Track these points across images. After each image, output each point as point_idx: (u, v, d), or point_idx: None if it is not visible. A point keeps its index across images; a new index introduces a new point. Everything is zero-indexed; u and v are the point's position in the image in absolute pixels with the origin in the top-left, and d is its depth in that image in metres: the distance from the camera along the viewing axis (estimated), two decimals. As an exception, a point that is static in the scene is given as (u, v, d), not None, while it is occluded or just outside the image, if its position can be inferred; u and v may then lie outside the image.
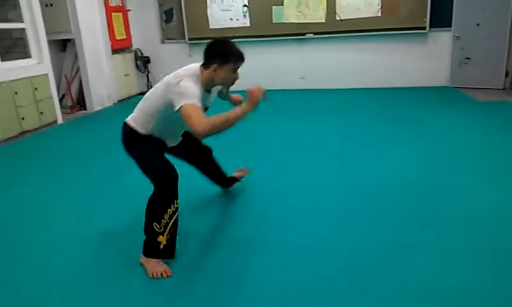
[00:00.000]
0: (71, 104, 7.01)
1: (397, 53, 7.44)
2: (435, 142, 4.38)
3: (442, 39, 7.21)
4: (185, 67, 2.38)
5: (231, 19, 7.73)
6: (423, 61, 7.40)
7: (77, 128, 5.98)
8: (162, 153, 2.48)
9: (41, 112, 5.78)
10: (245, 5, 7.61)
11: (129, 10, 7.94)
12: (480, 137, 4.46)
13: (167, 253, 2.33)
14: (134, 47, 8.16)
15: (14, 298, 2.17)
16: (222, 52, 2.28)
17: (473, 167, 3.60)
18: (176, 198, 2.31)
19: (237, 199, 3.22)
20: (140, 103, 2.47)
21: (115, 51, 7.54)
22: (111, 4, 7.36)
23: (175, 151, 2.71)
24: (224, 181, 3.24)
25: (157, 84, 2.44)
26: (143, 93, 8.14)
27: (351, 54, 7.58)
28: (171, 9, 7.98)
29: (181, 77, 2.24)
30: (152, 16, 8.13)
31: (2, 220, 3.09)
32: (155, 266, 2.28)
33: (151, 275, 2.25)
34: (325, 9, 7.36)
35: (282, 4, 7.47)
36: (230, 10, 7.69)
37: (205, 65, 2.31)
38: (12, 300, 2.15)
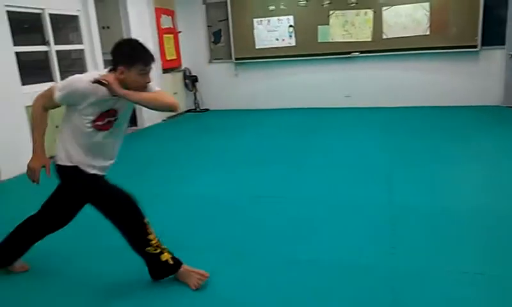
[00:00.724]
0: (122, 121, 7.33)
1: (446, 71, 7.23)
2: (488, 164, 4.19)
3: (495, 57, 6.93)
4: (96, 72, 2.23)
5: (277, 39, 7.85)
6: (474, 80, 7.13)
7: (127, 143, 6.22)
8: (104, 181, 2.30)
9: (95, 128, 6.08)
10: (291, 25, 7.72)
11: (180, 32, 8.27)
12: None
13: (177, 264, 2.28)
14: (183, 66, 8.46)
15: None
16: (128, 54, 2.06)
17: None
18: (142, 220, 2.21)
19: (282, 216, 3.23)
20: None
21: (165, 70, 7.85)
22: (162, 27, 7.70)
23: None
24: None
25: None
26: (190, 111, 8.48)
27: (398, 72, 7.45)
28: (220, 30, 8.23)
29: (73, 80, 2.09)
30: (201, 38, 8.41)
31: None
32: (190, 277, 2.26)
33: (194, 288, 2.25)
34: (371, 28, 7.32)
35: (328, 24, 7.50)
36: (276, 31, 7.82)
37: (112, 69, 2.07)
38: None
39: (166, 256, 2.25)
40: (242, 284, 2.33)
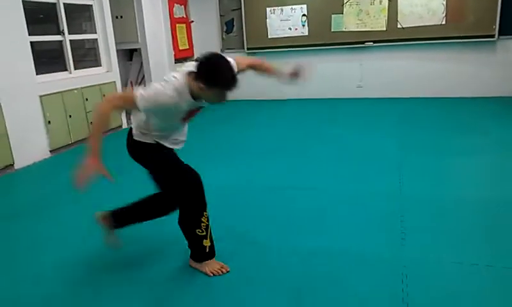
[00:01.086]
0: (135, 110, 7.39)
1: (462, 61, 7.10)
2: (503, 155, 4.12)
3: (513, 47, 6.78)
4: (174, 76, 2.10)
5: (289, 29, 7.79)
6: (491, 70, 6.99)
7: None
8: (175, 157, 2.36)
9: (109, 117, 6.15)
10: (304, 15, 7.65)
11: (192, 21, 8.27)
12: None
13: (212, 253, 2.39)
14: (196, 56, 8.47)
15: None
16: (210, 77, 2.00)
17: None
18: (201, 205, 2.31)
19: (293, 206, 3.23)
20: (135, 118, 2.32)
21: (178, 60, 7.87)
22: (175, 16, 7.71)
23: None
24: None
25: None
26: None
27: (413, 62, 7.34)
28: (232, 20, 8.20)
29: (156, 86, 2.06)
30: (214, 27, 8.39)
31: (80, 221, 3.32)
32: (212, 265, 2.38)
33: (211, 274, 2.34)
34: (386, 17, 7.20)
35: (342, 13, 7.41)
36: (289, 20, 7.76)
37: (195, 77, 2.02)
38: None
39: (207, 243, 2.34)
40: (255, 273, 2.35)
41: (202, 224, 2.29)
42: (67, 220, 3.21)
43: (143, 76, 7.32)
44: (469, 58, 7.05)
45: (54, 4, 5.42)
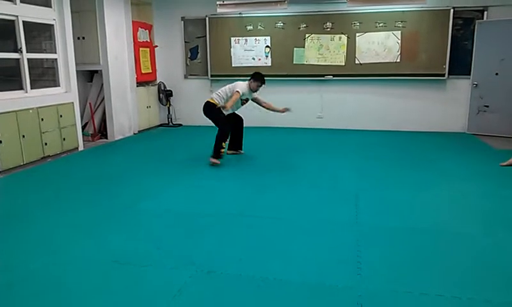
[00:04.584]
0: (93, 132, 7.22)
1: (415, 98, 7.51)
2: (449, 188, 4.36)
3: (461, 86, 7.26)
4: (238, 83, 5.52)
5: (253, 59, 7.96)
6: (441, 107, 7.44)
7: (97, 156, 6.14)
8: (225, 116, 5.43)
9: (64, 139, 5.98)
10: (267, 46, 7.85)
11: (156, 46, 8.27)
12: (494, 186, 4.39)
13: (219, 157, 5.35)
14: (158, 80, 8.44)
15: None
16: (255, 76, 5.48)
17: (486, 217, 3.56)
18: (228, 136, 5.51)
19: (251, 234, 3.24)
20: (217, 92, 5.53)
21: (140, 84, 7.81)
22: (139, 40, 7.69)
23: (229, 117, 5.56)
24: (236, 145, 5.88)
25: (225, 87, 5.52)
26: (163, 125, 8.46)
27: (369, 96, 7.68)
28: (197, 47, 8.28)
29: (238, 86, 5.43)
30: (178, 53, 8.43)
31: (24, 246, 3.16)
32: (215, 161, 5.28)
33: (213, 163, 5.27)
34: (345, 53, 7.53)
35: (303, 47, 7.68)
36: (253, 50, 7.94)
37: (250, 79, 5.48)
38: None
39: (223, 150, 5.37)
40: (209, 302, 2.32)
41: (224, 143, 5.35)
42: (15, 243, 3.06)
43: (103, 98, 7.19)
44: (421, 94, 7.47)
45: (13, 21, 5.29)
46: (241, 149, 5.91)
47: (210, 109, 5.39)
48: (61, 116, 5.91)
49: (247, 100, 5.61)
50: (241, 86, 5.42)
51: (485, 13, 6.90)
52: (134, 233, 3.27)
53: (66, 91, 6.15)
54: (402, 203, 3.87)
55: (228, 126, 5.41)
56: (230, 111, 5.51)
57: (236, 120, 5.76)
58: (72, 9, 6.16)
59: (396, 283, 2.49)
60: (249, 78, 5.47)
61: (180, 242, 3.09)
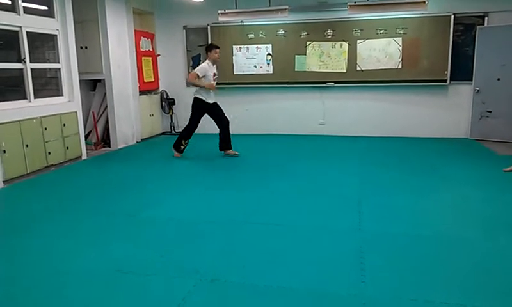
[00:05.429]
0: (96, 141, 7.24)
1: (417, 104, 7.51)
2: (452, 194, 4.35)
3: (463, 92, 7.26)
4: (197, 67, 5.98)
5: (255, 66, 7.99)
6: (443, 113, 7.44)
7: (100, 164, 6.16)
8: (196, 117, 6.11)
9: (67, 148, 6.00)
10: (269, 54, 7.88)
11: (159, 55, 8.33)
12: (497, 191, 4.38)
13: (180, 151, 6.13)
14: (161, 89, 8.48)
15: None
16: (208, 48, 6.03)
17: (488, 222, 3.55)
18: (189, 137, 6.13)
19: (254, 242, 3.23)
20: None
21: (142, 92, 7.85)
22: (142, 49, 7.74)
23: (213, 112, 6.07)
24: (224, 145, 6.19)
25: None
26: (165, 133, 8.48)
27: (371, 103, 7.69)
28: (199, 55, 8.32)
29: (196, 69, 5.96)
30: (180, 61, 8.47)
31: (26, 256, 3.17)
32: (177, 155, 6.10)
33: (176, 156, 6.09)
34: (346, 60, 7.55)
35: (305, 54, 7.70)
36: (255, 58, 7.97)
37: (207, 54, 6.01)
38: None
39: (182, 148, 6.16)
40: (210, 310, 2.31)
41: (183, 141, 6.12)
42: (21, 254, 3.06)
43: (106, 106, 7.22)
44: (423, 100, 7.47)
45: (17, 31, 5.33)
46: (231, 149, 6.19)
47: (192, 106, 6.08)
48: (64, 125, 5.94)
49: (215, 74, 6.03)
50: (199, 67, 5.96)
51: (486, 18, 6.92)
52: (137, 241, 3.27)
53: (69, 100, 6.18)
54: (404, 209, 3.86)
55: (190, 127, 6.10)
56: (212, 96, 6.02)
57: (222, 121, 6.08)
58: (75, 19, 6.22)
59: (400, 290, 2.48)
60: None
61: (184, 250, 3.09)
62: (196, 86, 5.91)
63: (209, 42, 8.04)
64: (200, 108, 6.01)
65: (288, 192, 4.49)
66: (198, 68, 5.95)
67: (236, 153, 6.19)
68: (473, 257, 2.91)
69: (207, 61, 5.97)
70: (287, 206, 4.05)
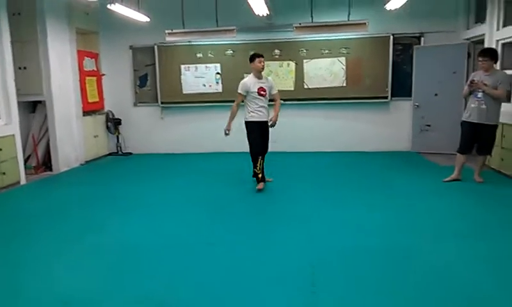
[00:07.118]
0: (36, 165, 6.85)
1: (362, 119, 7.82)
2: (399, 206, 4.50)
3: (404, 107, 7.66)
4: (240, 83, 5.35)
5: (204, 85, 7.96)
6: (386, 128, 7.79)
7: (39, 189, 5.82)
8: (253, 136, 5.31)
9: (4, 173, 5.62)
10: (218, 73, 7.90)
11: (104, 75, 8.09)
12: (440, 201, 4.62)
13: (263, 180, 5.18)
14: (106, 109, 8.21)
15: None
16: (251, 58, 5.21)
17: (435, 231, 3.71)
18: (257, 159, 5.19)
19: (205, 265, 3.16)
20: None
21: (86, 113, 7.56)
22: (85, 69, 7.49)
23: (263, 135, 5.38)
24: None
25: None
26: (112, 154, 8.18)
27: (319, 119, 7.91)
28: (146, 75, 8.18)
29: (238, 88, 5.31)
30: (127, 81, 8.28)
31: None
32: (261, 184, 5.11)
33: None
34: (294, 79, 7.73)
35: (253, 73, 7.78)
36: (204, 77, 7.95)
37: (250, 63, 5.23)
38: None
39: (259, 175, 5.16)
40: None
41: (258, 166, 5.19)
42: None
43: (47, 129, 6.87)
44: (367, 116, 7.79)
45: None
46: (266, 178, 5.44)
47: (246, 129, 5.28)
48: (0, 149, 5.57)
49: (263, 90, 5.14)
50: (241, 84, 5.17)
51: (422, 38, 7.39)
52: (82, 269, 3.09)
53: (6, 124, 5.82)
54: (352, 222, 3.95)
55: (254, 148, 5.19)
56: (264, 113, 5.31)
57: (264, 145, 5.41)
58: (14, 38, 5.91)
59: (351, 304, 2.51)
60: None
61: (131, 275, 2.96)
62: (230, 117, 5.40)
63: (156, 61, 7.95)
64: (247, 127, 5.36)
65: (237, 212, 4.45)
66: (239, 88, 5.24)
67: (269, 179, 5.57)
68: (421, 266, 3.01)
69: (251, 74, 5.25)
70: (239, 225, 4.02)
